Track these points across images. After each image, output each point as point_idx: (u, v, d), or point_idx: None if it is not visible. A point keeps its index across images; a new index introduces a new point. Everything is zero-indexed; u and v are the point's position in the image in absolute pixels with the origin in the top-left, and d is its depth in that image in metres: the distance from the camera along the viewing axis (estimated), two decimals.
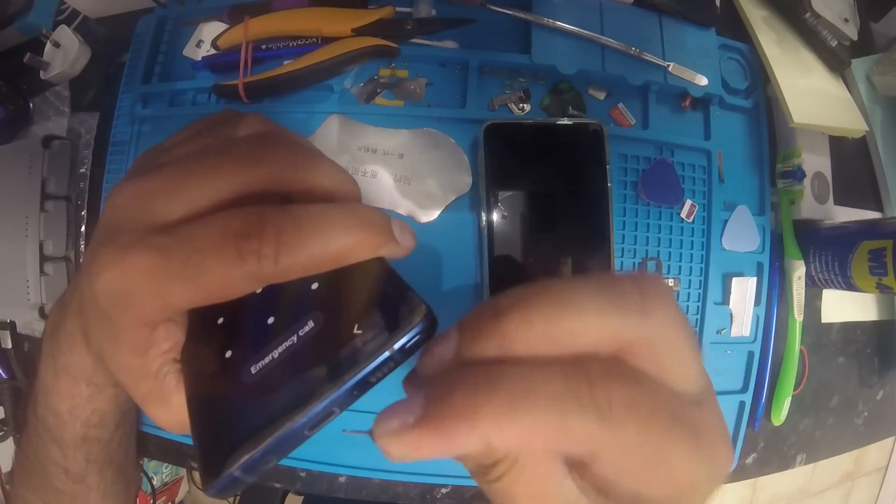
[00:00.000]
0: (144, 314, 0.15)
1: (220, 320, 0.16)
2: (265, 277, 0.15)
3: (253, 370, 0.14)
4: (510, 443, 0.12)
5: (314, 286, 0.15)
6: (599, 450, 0.12)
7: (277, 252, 0.14)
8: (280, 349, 0.14)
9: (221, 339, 0.16)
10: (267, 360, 0.14)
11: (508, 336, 0.13)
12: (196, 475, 1.19)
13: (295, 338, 0.14)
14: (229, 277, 0.14)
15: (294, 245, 0.14)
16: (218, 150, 0.18)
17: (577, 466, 0.14)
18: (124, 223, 0.16)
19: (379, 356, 0.13)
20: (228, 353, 0.15)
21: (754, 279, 0.36)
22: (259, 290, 0.16)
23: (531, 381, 0.12)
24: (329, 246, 0.15)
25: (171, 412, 0.18)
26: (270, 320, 0.15)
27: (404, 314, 0.13)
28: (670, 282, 0.35)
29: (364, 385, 0.13)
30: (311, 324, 0.14)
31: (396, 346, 0.13)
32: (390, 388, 0.15)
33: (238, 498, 1.13)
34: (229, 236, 0.14)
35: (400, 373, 0.15)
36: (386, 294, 0.15)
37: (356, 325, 0.14)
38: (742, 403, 0.36)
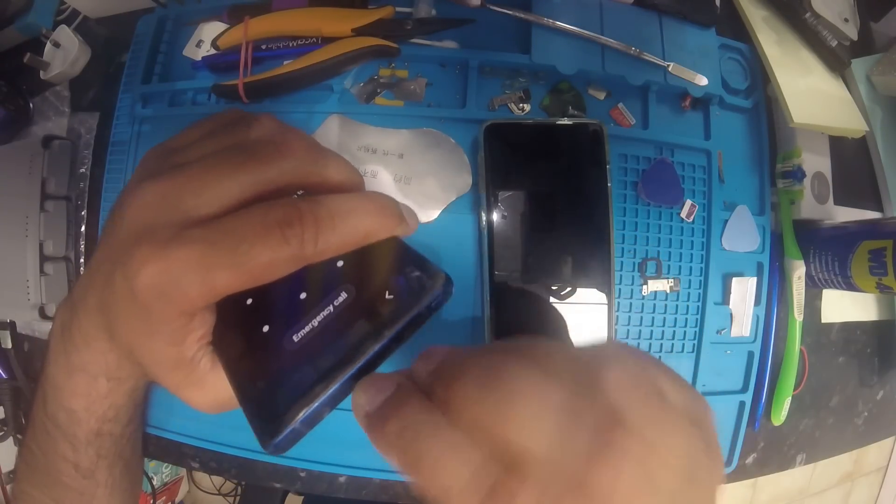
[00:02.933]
0: (188, 304, 0.17)
1: (249, 301, 0.18)
2: (306, 258, 0.16)
3: (295, 338, 0.16)
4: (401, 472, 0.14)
5: (339, 264, 0.17)
6: None
7: (317, 235, 0.16)
8: (319, 318, 0.16)
9: (255, 317, 0.18)
10: (308, 328, 0.16)
11: (459, 402, 0.13)
12: (196, 475, 1.19)
13: (331, 307, 0.16)
14: (275, 261, 0.16)
15: (329, 229, 0.16)
16: (240, 148, 0.19)
17: None
18: (156, 221, 0.17)
19: (411, 314, 0.15)
20: (266, 328, 0.17)
21: (754, 279, 0.36)
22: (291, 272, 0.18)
23: (444, 452, 0.13)
24: (357, 228, 0.17)
25: (207, 393, 0.19)
26: (303, 296, 0.17)
27: (426, 280, 0.16)
28: (670, 282, 0.35)
29: (399, 340, 0.16)
30: (344, 295, 0.17)
31: (423, 305, 0.16)
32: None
33: (239, 498, 1.13)
34: (273, 224, 0.16)
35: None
36: (407, 265, 0.17)
37: (387, 292, 0.16)
38: (742, 403, 0.36)
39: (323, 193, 0.18)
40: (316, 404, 0.15)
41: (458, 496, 0.12)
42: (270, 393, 0.16)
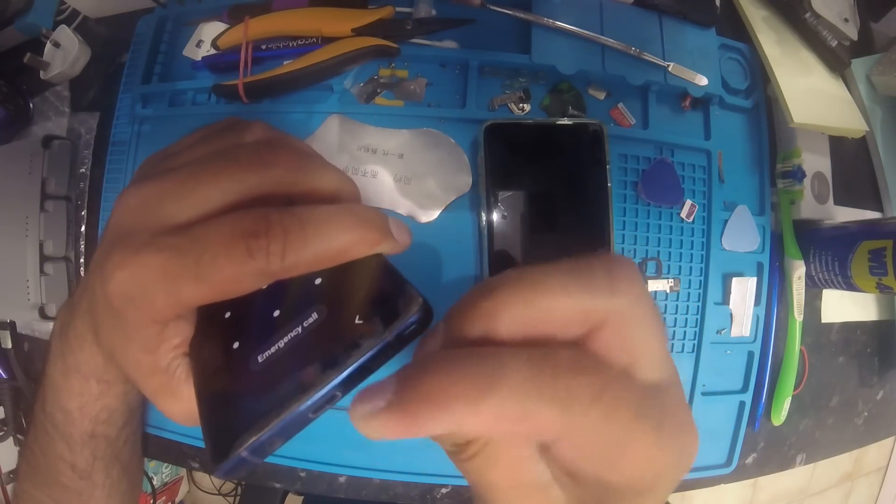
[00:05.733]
0: (156, 312, 0.16)
1: (228, 315, 0.17)
2: (272, 273, 0.15)
3: (260, 359, 0.15)
4: (476, 427, 0.12)
5: (317, 281, 0.16)
6: (562, 436, 0.13)
7: (284, 249, 0.15)
8: (286, 339, 0.15)
9: (229, 331, 0.17)
10: (273, 349, 0.15)
11: (489, 317, 0.13)
12: (196, 475, 1.19)
13: (300, 328, 0.15)
14: (239, 274, 0.15)
15: (299, 242, 0.15)
16: (225, 154, 0.18)
17: (547, 450, 0.14)
18: (135, 225, 0.17)
19: (378, 344, 0.14)
20: (236, 345, 0.16)
21: (754, 279, 0.36)
22: (265, 287, 0.16)
23: (498, 367, 0.12)
24: (330, 243, 0.16)
25: (181, 404, 0.18)
26: (276, 313, 0.16)
27: (402, 305, 0.14)
28: (670, 282, 0.35)
29: (365, 371, 0.14)
30: (315, 315, 0.15)
31: (393, 334, 0.14)
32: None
33: (239, 498, 1.13)
34: (238, 235, 0.15)
35: (399, 359, 0.15)
36: (385, 287, 0.16)
37: (357, 316, 0.15)
38: (742, 403, 0.36)
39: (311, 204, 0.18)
40: (264, 436, 0.14)
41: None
42: (226, 415, 0.15)
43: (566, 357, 0.13)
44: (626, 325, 0.13)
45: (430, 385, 0.12)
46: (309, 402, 0.14)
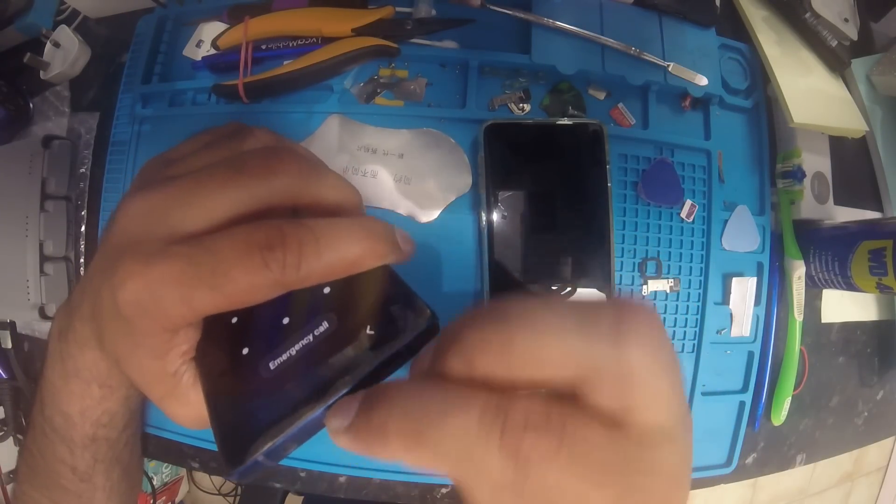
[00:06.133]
0: (169, 321, 0.16)
1: (235, 320, 0.18)
2: (287, 284, 0.16)
3: (271, 365, 0.16)
4: (419, 466, 0.12)
5: (326, 290, 0.17)
6: (511, 489, 0.12)
7: (299, 261, 0.15)
8: (297, 347, 0.16)
9: (237, 337, 0.17)
10: (285, 356, 0.16)
11: (468, 355, 0.13)
12: (196, 475, 1.19)
13: (311, 337, 0.16)
14: (254, 285, 0.15)
15: (313, 255, 0.16)
16: (232, 163, 0.18)
17: None
18: (142, 234, 0.17)
19: (388, 353, 0.15)
20: (245, 351, 0.17)
21: (754, 279, 0.36)
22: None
23: (447, 411, 0.12)
24: (343, 255, 0.16)
25: (188, 409, 0.19)
26: (285, 321, 0.17)
27: (411, 316, 0.15)
28: (670, 282, 0.35)
29: (375, 378, 0.15)
30: (325, 324, 0.16)
31: (403, 343, 0.15)
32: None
33: (239, 498, 1.13)
34: (254, 247, 0.15)
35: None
36: (393, 298, 0.16)
37: (368, 326, 0.15)
38: (742, 403, 0.36)
39: (316, 213, 0.18)
40: (280, 440, 0.14)
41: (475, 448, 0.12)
42: (240, 420, 0.15)
43: (520, 413, 0.12)
44: (625, 381, 0.12)
45: (379, 418, 0.13)
46: (323, 408, 0.14)
